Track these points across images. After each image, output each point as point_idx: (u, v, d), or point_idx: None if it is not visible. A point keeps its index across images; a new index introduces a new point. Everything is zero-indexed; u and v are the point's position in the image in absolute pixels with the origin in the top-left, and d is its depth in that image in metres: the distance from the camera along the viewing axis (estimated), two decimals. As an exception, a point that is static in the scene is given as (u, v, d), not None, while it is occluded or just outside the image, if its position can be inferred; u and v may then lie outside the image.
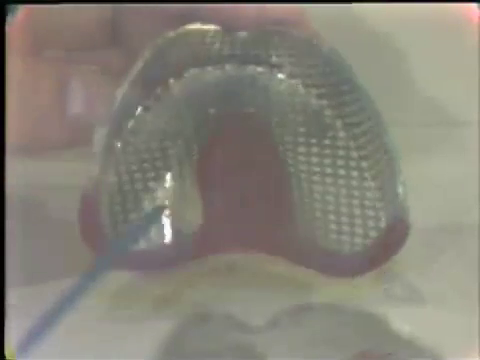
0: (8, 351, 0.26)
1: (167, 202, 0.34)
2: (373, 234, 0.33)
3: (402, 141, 0.32)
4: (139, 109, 0.32)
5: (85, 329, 0.31)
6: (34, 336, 0.25)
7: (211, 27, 0.32)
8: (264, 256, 0.34)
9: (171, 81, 0.32)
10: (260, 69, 0.32)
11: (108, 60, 0.35)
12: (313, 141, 0.33)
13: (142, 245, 0.33)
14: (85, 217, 0.32)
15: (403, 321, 0.31)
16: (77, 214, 0.32)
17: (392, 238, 0.32)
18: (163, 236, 0.34)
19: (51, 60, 0.34)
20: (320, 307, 0.33)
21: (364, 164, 0.32)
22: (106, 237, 0.33)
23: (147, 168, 0.33)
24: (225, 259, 0.34)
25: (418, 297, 0.33)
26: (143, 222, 0.33)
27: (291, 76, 0.32)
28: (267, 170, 0.34)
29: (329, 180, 0.33)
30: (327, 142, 0.33)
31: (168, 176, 0.34)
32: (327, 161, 0.33)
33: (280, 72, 0.32)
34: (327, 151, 0.33)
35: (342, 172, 0.33)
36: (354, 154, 0.32)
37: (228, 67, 0.32)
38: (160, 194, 0.34)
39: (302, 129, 0.33)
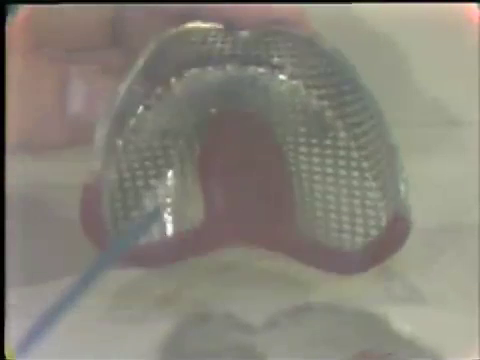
0: (8, 351, 0.26)
1: (168, 199, 0.34)
2: (374, 233, 0.33)
3: (402, 141, 0.32)
4: (140, 108, 0.32)
5: (85, 329, 0.31)
6: (34, 336, 0.25)
7: (213, 25, 0.32)
8: (264, 253, 0.34)
9: (172, 80, 0.32)
10: (261, 70, 0.32)
11: (108, 60, 0.35)
12: (314, 141, 0.33)
13: (144, 241, 0.33)
14: (87, 209, 0.32)
15: (403, 321, 0.31)
16: (79, 205, 0.32)
17: (393, 236, 0.32)
18: (165, 232, 0.34)
19: (51, 59, 0.34)
20: (320, 307, 0.33)
21: (365, 164, 0.32)
22: (107, 232, 0.33)
23: (148, 166, 0.33)
24: (225, 258, 0.34)
25: (418, 297, 0.33)
26: (144, 221, 0.33)
27: (292, 77, 0.32)
28: (268, 169, 0.34)
29: (330, 180, 0.33)
30: (328, 142, 0.33)
31: (170, 174, 0.34)
32: (328, 161, 0.33)
33: (281, 73, 0.32)
34: (328, 151, 0.33)
35: (343, 172, 0.33)
36: (355, 154, 0.32)
37: (229, 67, 0.32)
38: (161, 191, 0.34)
39: (303, 129, 0.33)
